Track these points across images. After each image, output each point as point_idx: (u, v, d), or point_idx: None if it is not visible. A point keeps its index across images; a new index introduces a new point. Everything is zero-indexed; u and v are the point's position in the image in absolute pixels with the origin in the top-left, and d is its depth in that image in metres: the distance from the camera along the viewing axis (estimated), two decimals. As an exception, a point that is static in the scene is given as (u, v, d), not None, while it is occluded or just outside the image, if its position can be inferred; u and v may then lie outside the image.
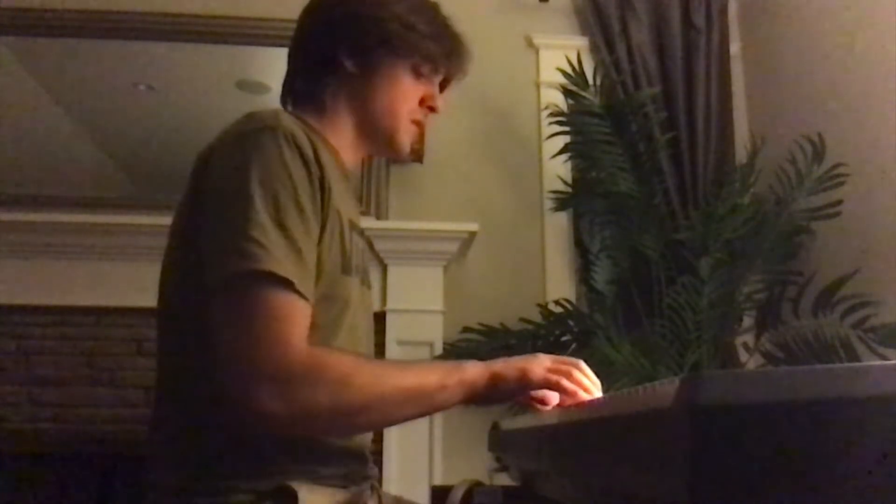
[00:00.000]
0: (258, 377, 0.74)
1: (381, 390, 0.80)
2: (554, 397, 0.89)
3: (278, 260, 0.77)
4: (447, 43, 1.03)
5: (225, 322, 0.77)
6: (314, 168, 0.84)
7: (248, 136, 0.84)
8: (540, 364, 0.86)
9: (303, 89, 1.02)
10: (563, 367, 0.86)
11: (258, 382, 0.74)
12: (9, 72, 2.44)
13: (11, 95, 2.43)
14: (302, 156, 0.83)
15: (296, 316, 0.77)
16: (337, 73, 1.00)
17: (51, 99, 2.47)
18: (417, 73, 1.02)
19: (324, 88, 1.00)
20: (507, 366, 0.86)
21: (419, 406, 0.83)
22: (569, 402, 0.85)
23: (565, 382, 0.85)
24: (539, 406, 0.91)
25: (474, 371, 0.85)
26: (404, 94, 1.01)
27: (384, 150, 1.08)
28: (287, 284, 0.77)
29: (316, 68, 1.01)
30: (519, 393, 0.88)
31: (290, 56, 1.05)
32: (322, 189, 0.85)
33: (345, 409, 0.78)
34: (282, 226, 0.79)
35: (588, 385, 0.86)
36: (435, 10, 1.04)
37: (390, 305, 2.21)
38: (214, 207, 0.82)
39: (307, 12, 1.04)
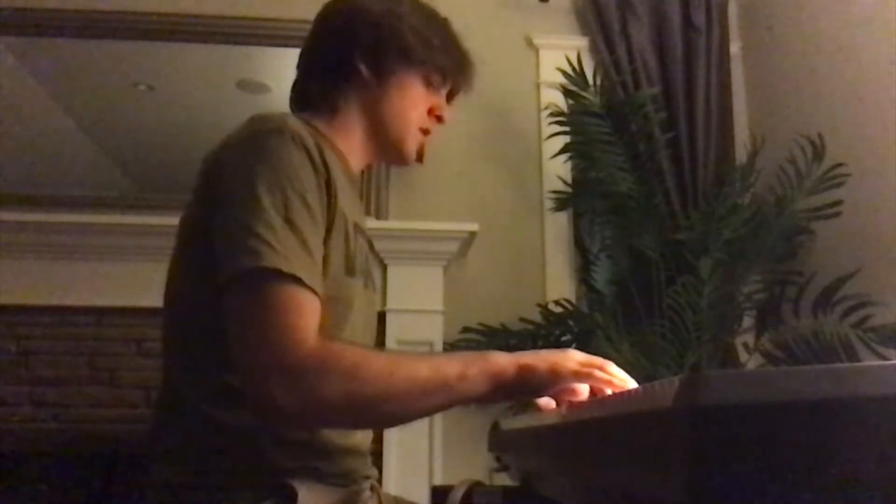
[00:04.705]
0: (270, 371, 0.74)
1: (395, 380, 0.77)
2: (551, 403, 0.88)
3: (285, 256, 0.77)
4: (457, 57, 1.08)
5: (235, 319, 0.77)
6: (321, 170, 0.85)
7: (257, 137, 0.85)
8: (570, 358, 0.82)
9: (315, 93, 1.03)
10: (596, 362, 0.82)
11: (271, 376, 0.73)
12: (9, 72, 2.44)
13: (11, 95, 2.43)
14: (309, 157, 0.84)
15: (304, 308, 0.77)
16: (351, 79, 1.02)
17: (51, 99, 2.47)
18: (428, 84, 1.05)
19: (337, 93, 1.02)
20: (537, 358, 0.81)
21: (440, 397, 0.79)
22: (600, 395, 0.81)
23: (598, 373, 0.81)
24: (540, 407, 0.90)
25: (500, 361, 0.80)
26: (415, 102, 1.04)
27: (391, 156, 1.09)
28: (295, 280, 0.77)
29: (330, 73, 1.03)
30: (550, 386, 0.82)
31: (301, 60, 1.06)
32: (328, 191, 0.86)
33: (359, 400, 0.76)
34: (289, 222, 0.79)
35: (623, 378, 0.81)
36: (446, 24, 1.08)
37: (390, 305, 2.21)
38: (224, 208, 0.83)
39: (323, 19, 1.06)
